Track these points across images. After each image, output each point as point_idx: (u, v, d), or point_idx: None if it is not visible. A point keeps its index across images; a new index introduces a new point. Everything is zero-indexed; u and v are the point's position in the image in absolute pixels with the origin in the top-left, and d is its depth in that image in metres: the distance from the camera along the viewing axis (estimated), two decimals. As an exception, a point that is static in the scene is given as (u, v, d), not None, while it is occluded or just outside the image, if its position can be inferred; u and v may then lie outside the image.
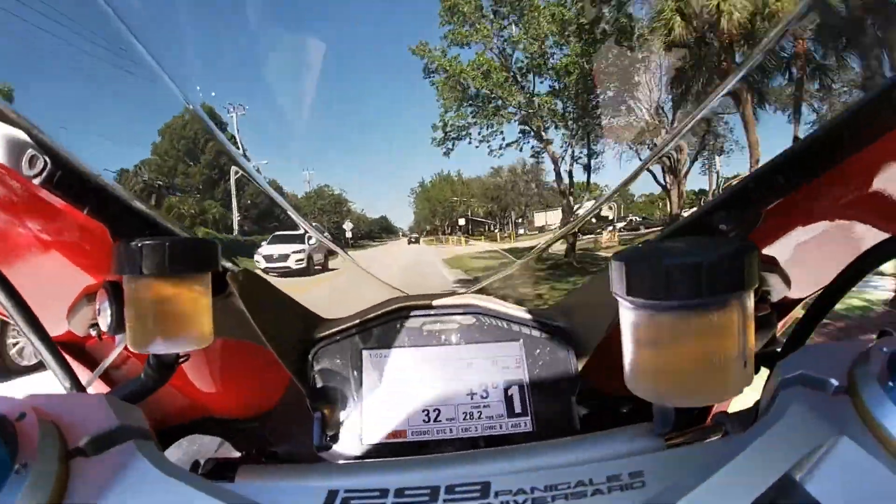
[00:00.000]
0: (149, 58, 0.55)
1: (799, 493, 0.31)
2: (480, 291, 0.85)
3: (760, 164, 0.47)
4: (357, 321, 0.76)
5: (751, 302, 0.39)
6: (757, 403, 0.46)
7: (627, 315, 0.41)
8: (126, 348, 0.50)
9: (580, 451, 0.53)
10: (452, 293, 0.81)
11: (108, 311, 0.51)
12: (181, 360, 0.53)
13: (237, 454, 0.79)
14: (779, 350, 0.55)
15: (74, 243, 0.50)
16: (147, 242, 0.45)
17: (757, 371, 0.52)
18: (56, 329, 0.59)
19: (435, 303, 0.78)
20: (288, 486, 0.49)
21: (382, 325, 0.76)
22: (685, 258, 0.36)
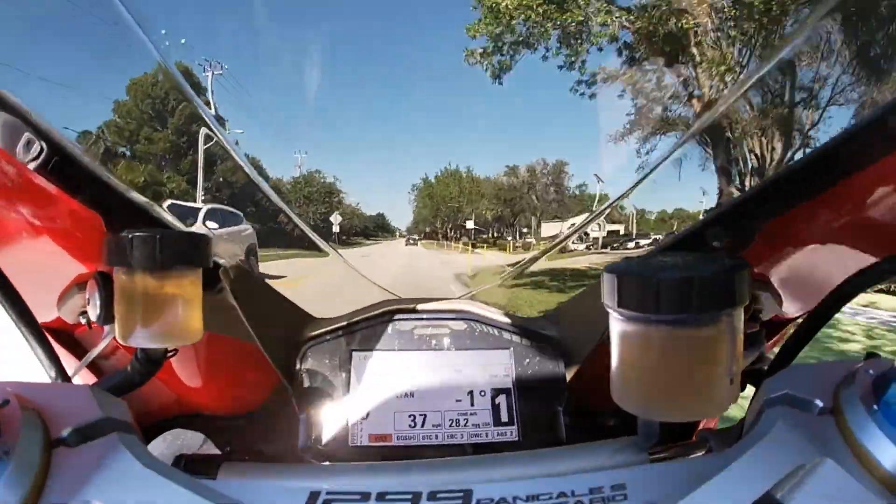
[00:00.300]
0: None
1: None
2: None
3: (756, 183, 0.48)
4: (348, 322, 0.76)
5: (741, 319, 0.39)
6: (742, 421, 0.46)
7: (617, 327, 0.41)
8: (114, 339, 0.50)
9: (564, 462, 0.53)
10: (445, 298, 0.81)
11: (98, 302, 0.50)
12: (169, 354, 0.53)
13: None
14: (766, 368, 0.55)
15: (67, 231, 0.50)
16: (138, 235, 0.45)
17: (743, 388, 0.52)
18: (46, 315, 0.58)
19: (427, 307, 0.78)
20: (270, 485, 0.48)
21: (373, 327, 0.76)
22: (677, 273, 0.36)
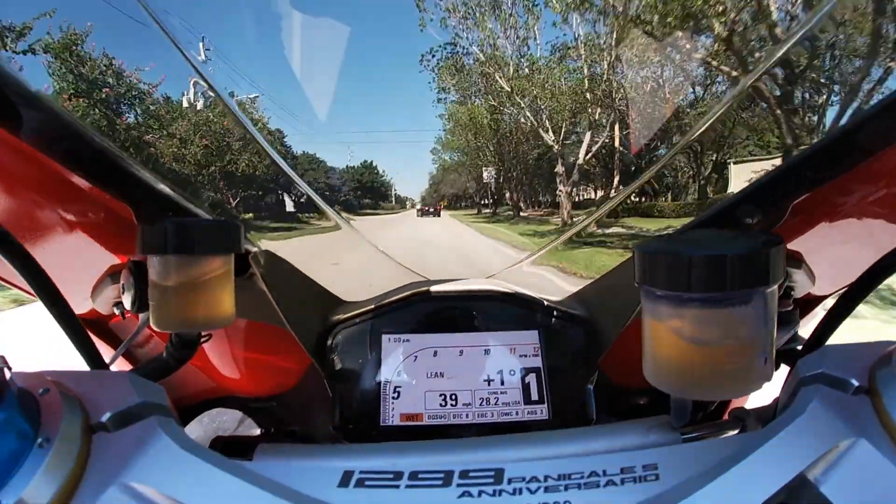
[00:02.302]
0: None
1: (812, 493, 0.30)
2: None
3: (789, 157, 0.46)
4: (377, 304, 0.77)
5: (775, 297, 0.38)
6: (776, 401, 0.46)
7: (649, 305, 0.40)
8: (149, 327, 0.51)
9: (595, 442, 0.53)
10: (472, 278, 0.81)
11: (132, 290, 0.52)
12: (203, 339, 0.54)
13: (256, 432, 0.81)
14: (800, 348, 0.54)
15: (99, 224, 0.51)
16: (171, 223, 0.46)
17: (777, 368, 0.51)
18: (81, 307, 0.60)
19: (455, 288, 0.78)
20: (304, 465, 0.49)
21: (402, 309, 0.77)
22: (710, 250, 0.35)
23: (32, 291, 0.46)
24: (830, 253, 0.55)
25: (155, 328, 0.50)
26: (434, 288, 0.78)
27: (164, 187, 0.50)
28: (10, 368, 0.33)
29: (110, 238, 0.53)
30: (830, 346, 0.43)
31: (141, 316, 0.54)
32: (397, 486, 0.39)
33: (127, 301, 0.53)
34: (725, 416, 0.56)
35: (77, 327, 0.49)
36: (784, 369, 0.48)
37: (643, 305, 0.41)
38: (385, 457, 0.51)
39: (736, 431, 0.51)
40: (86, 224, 0.51)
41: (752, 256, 0.35)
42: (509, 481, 0.38)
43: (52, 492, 0.31)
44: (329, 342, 0.75)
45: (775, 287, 0.38)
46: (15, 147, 0.40)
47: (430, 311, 0.76)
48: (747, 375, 0.38)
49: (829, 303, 0.53)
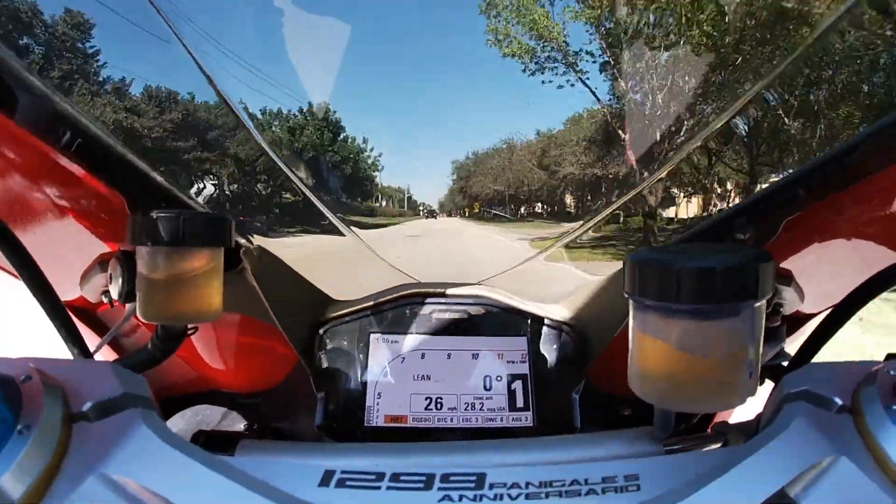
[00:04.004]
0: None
1: None
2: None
3: (783, 175, 0.47)
4: (366, 304, 0.76)
5: (763, 313, 0.38)
6: (759, 416, 0.46)
7: (637, 315, 0.40)
8: (135, 317, 0.51)
9: (578, 450, 0.53)
10: (464, 283, 0.81)
11: (120, 280, 0.51)
12: (189, 332, 0.54)
13: (240, 427, 0.81)
14: (785, 364, 0.54)
15: (91, 211, 0.51)
16: (162, 214, 0.46)
17: (762, 383, 0.51)
18: (69, 294, 0.60)
19: (446, 291, 0.78)
20: (286, 462, 0.49)
21: (392, 310, 0.77)
22: (700, 262, 0.36)
23: (18, 276, 0.46)
24: (820, 271, 0.55)
25: (141, 319, 0.49)
26: (425, 291, 0.78)
27: (158, 178, 0.50)
28: None
29: (101, 226, 0.53)
30: (815, 363, 0.43)
31: (128, 306, 0.53)
32: (378, 488, 0.39)
33: (114, 290, 0.52)
34: (709, 430, 0.57)
35: (63, 315, 0.49)
36: (769, 385, 0.48)
37: (632, 315, 0.41)
38: (367, 457, 0.50)
39: (718, 445, 0.51)
40: (77, 211, 0.50)
41: (741, 270, 0.36)
42: (490, 486, 0.38)
43: (30, 479, 0.30)
44: (317, 340, 0.75)
45: (763, 302, 0.38)
46: (9, 131, 0.40)
47: (419, 313, 0.76)
48: (732, 389, 0.38)
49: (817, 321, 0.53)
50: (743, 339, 0.38)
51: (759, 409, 0.45)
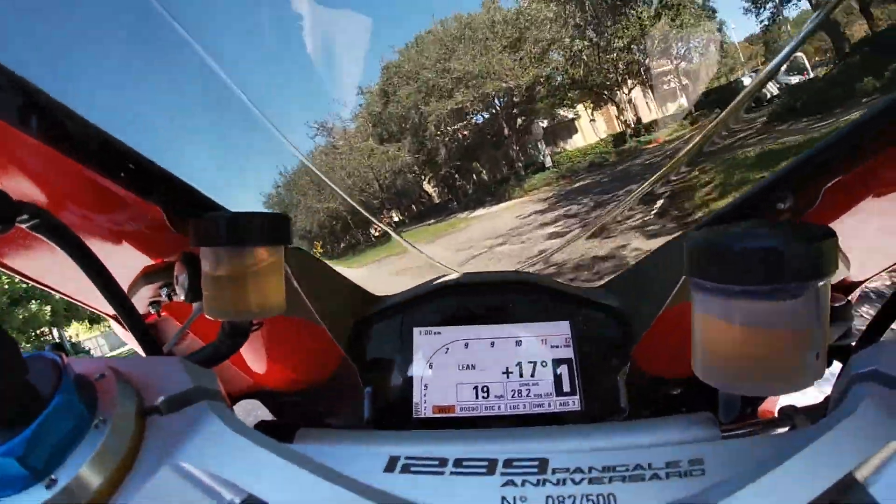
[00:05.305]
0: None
1: (860, 494, 0.30)
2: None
3: (821, 141, 0.45)
4: (407, 298, 0.77)
5: (828, 292, 0.37)
6: (827, 398, 0.45)
7: (699, 298, 0.40)
8: (202, 316, 0.53)
9: (636, 435, 0.52)
10: (503, 271, 0.81)
11: (186, 281, 0.54)
12: (254, 327, 0.56)
13: None
14: (853, 344, 0.52)
15: (133, 227, 0.53)
16: (224, 216, 0.48)
17: (829, 364, 0.50)
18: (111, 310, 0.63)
19: (485, 281, 0.78)
20: (348, 449, 0.50)
21: (433, 303, 0.77)
22: (764, 243, 0.35)
23: (95, 284, 0.49)
24: (864, 237, 0.53)
25: (208, 317, 0.52)
26: (464, 280, 0.79)
27: (191, 185, 0.52)
28: (67, 355, 0.35)
29: (144, 240, 0.56)
30: (884, 342, 0.42)
31: (194, 305, 0.56)
32: (442, 473, 0.40)
33: (180, 291, 0.55)
34: (775, 413, 0.55)
35: (135, 316, 0.51)
36: (836, 366, 0.47)
37: (693, 299, 0.41)
38: (428, 444, 0.51)
39: (784, 429, 0.50)
40: (122, 228, 0.53)
41: (806, 248, 0.35)
42: (553, 471, 0.39)
43: (107, 471, 0.32)
44: (361, 336, 0.77)
45: (829, 281, 0.37)
46: (60, 164, 0.42)
47: (460, 303, 0.77)
48: (799, 371, 0.38)
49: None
50: (809, 319, 0.37)
51: (829, 391, 0.44)
